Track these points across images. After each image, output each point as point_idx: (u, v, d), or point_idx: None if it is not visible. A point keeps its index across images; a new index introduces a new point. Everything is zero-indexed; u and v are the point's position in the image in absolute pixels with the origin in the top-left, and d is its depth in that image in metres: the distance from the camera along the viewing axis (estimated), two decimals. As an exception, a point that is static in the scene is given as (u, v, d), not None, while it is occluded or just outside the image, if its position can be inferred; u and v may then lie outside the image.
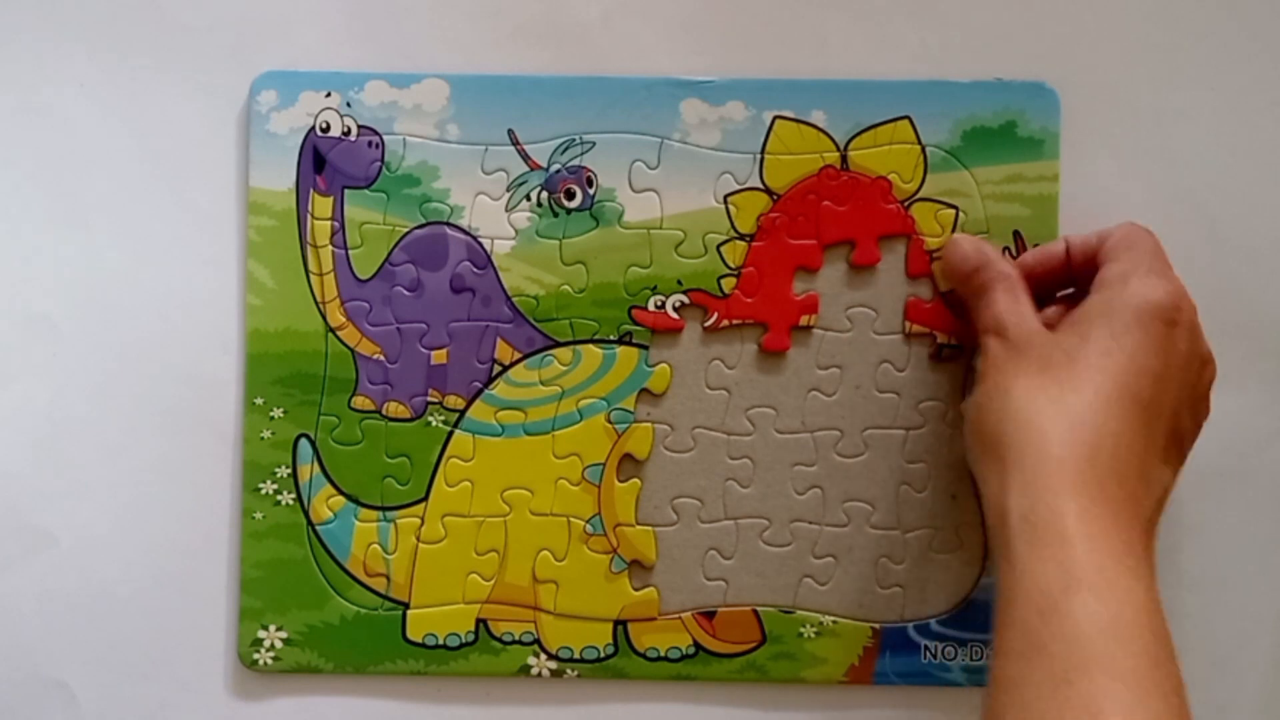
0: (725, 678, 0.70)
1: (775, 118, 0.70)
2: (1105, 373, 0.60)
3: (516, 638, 0.70)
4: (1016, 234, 0.70)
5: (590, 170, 0.70)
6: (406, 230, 0.70)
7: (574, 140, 0.70)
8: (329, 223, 0.70)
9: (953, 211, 0.70)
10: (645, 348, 0.70)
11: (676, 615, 0.70)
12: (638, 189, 0.70)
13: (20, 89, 0.72)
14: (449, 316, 0.70)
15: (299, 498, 0.70)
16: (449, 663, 0.70)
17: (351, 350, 0.70)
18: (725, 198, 0.70)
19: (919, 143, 0.70)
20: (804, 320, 0.70)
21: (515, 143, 0.70)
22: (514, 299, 0.70)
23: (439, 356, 0.70)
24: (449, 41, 0.71)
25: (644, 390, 0.70)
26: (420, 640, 0.70)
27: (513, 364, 0.70)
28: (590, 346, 0.70)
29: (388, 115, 0.70)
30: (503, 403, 0.70)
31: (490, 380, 0.70)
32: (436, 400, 0.70)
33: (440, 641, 0.70)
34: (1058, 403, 0.60)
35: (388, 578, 0.70)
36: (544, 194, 0.70)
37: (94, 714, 0.71)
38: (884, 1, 0.71)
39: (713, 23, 0.71)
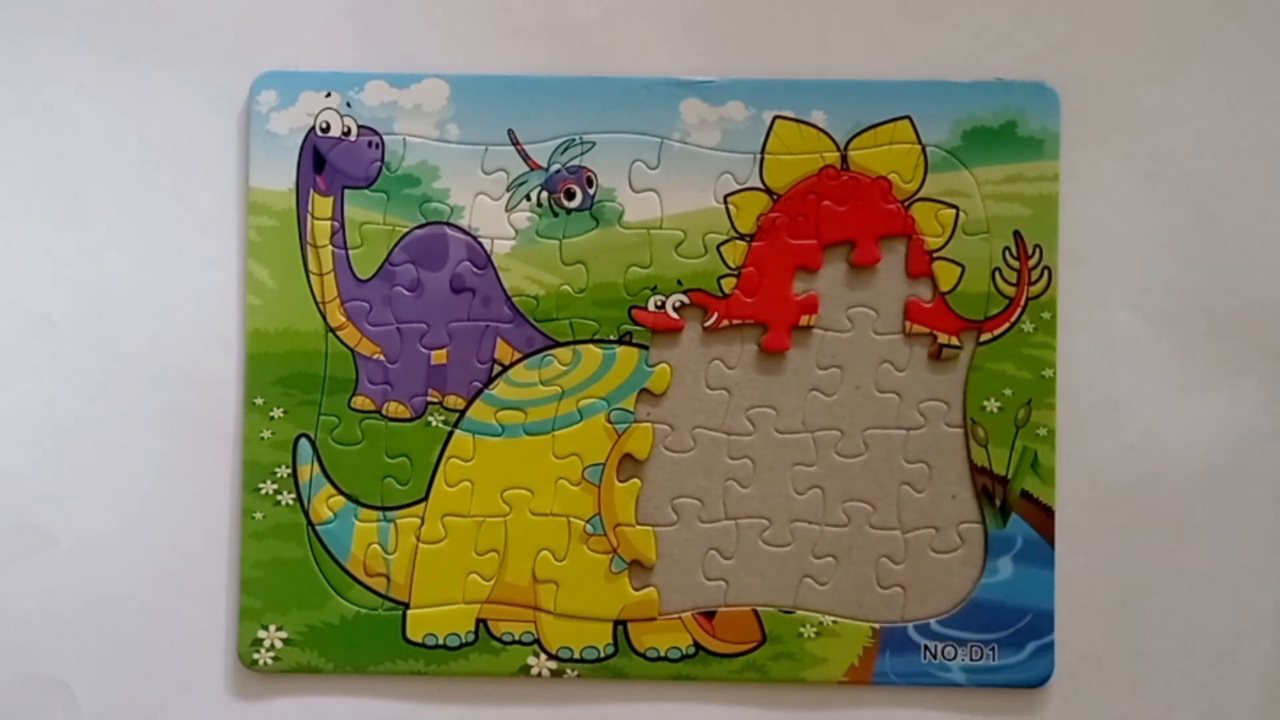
0: (725, 678, 0.70)
1: (775, 118, 0.70)
2: None
3: (516, 638, 0.70)
4: (1017, 234, 0.70)
5: (590, 170, 0.70)
6: (406, 230, 0.70)
7: (574, 140, 0.70)
8: (329, 223, 0.70)
9: (953, 211, 0.70)
10: (645, 348, 0.70)
11: (676, 615, 0.70)
12: (638, 189, 0.70)
13: (20, 89, 0.72)
14: (449, 316, 0.70)
15: (299, 498, 0.70)
16: (449, 663, 0.70)
17: (351, 350, 0.70)
18: (725, 198, 0.70)
19: (919, 142, 0.70)
20: (804, 320, 0.70)
21: (515, 143, 0.70)
22: (514, 299, 0.70)
23: (439, 356, 0.70)
24: (449, 41, 0.71)
25: (644, 390, 0.70)
26: (420, 640, 0.70)
27: (513, 364, 0.70)
28: (590, 346, 0.70)
29: (388, 115, 0.70)
30: (503, 403, 0.70)
31: (490, 380, 0.70)
32: (436, 400, 0.70)
33: (440, 641, 0.70)
34: None
35: (388, 578, 0.70)
36: (544, 194, 0.70)
37: (94, 714, 0.71)
38: (884, 1, 0.71)
39: (713, 23, 0.71)
